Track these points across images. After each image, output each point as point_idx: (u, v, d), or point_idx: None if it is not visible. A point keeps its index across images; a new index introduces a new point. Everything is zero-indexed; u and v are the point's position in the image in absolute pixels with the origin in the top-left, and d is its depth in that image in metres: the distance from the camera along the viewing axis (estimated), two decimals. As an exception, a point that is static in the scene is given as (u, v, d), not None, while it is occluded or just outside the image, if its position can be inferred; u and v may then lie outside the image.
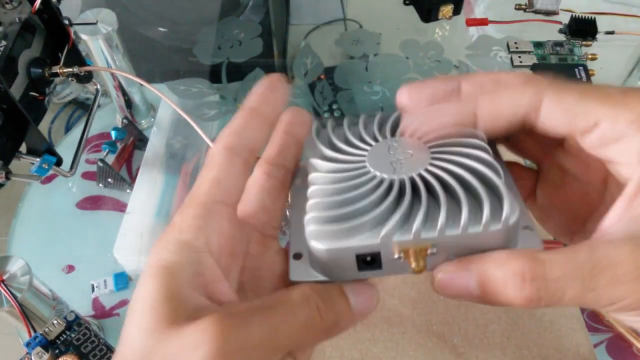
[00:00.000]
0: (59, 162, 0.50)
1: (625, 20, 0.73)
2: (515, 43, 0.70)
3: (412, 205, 0.23)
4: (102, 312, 0.59)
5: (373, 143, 0.25)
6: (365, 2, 0.95)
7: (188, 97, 0.73)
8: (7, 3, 0.47)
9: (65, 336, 0.45)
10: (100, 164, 0.66)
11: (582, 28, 0.71)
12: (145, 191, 0.65)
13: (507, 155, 0.28)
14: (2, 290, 0.44)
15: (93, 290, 0.60)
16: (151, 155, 0.68)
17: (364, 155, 0.25)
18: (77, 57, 0.53)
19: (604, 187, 0.24)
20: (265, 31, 0.82)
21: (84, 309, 0.59)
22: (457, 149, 0.24)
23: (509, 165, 0.27)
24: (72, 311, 0.46)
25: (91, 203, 0.68)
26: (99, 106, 0.61)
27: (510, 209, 0.22)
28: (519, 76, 0.24)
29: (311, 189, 0.25)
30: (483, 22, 0.74)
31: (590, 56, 0.70)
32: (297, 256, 0.25)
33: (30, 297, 0.46)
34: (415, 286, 0.54)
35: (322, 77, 0.74)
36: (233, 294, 0.23)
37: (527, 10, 0.74)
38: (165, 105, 0.72)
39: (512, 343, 0.50)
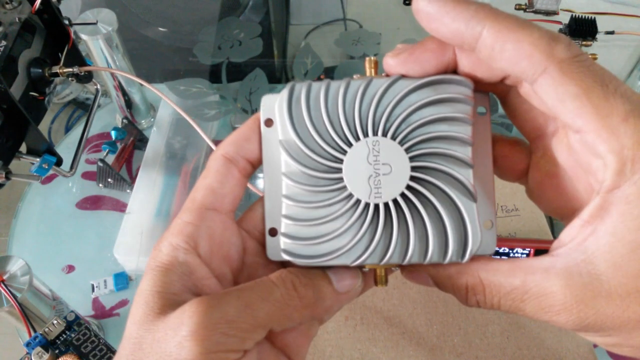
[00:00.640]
0: (59, 162, 0.49)
1: (625, 20, 0.73)
2: (516, 43, 0.70)
3: (384, 229, 0.24)
4: (102, 312, 0.59)
5: (353, 142, 0.24)
6: (365, 2, 0.96)
7: (188, 97, 0.73)
8: (7, 3, 0.47)
9: (65, 336, 0.45)
10: (100, 164, 0.66)
11: (582, 28, 0.71)
12: (145, 191, 0.65)
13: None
14: (2, 290, 0.44)
15: (93, 290, 0.60)
16: (151, 155, 0.68)
17: (341, 161, 0.24)
18: (77, 57, 0.53)
19: (591, 186, 0.24)
20: (265, 31, 0.82)
21: (84, 309, 0.59)
22: (438, 157, 0.24)
23: (507, 143, 0.26)
24: (72, 311, 0.46)
25: (91, 203, 0.68)
26: (99, 106, 0.61)
27: (473, 243, 0.24)
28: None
29: (287, 185, 0.25)
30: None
31: (590, 56, 0.70)
32: (273, 232, 0.26)
33: (30, 297, 0.46)
34: (416, 286, 0.54)
35: (322, 77, 0.74)
36: (220, 290, 0.25)
37: (527, 10, 0.74)
38: (165, 105, 0.72)
39: (511, 343, 0.50)
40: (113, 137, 0.69)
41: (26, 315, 0.45)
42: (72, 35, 0.52)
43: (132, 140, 0.71)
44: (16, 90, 0.46)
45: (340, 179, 0.24)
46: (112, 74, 0.67)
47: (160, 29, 0.88)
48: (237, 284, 0.26)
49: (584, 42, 0.70)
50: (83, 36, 0.62)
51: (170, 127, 0.71)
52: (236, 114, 0.73)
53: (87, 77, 0.54)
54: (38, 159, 0.48)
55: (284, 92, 0.25)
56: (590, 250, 0.21)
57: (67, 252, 0.64)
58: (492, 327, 0.51)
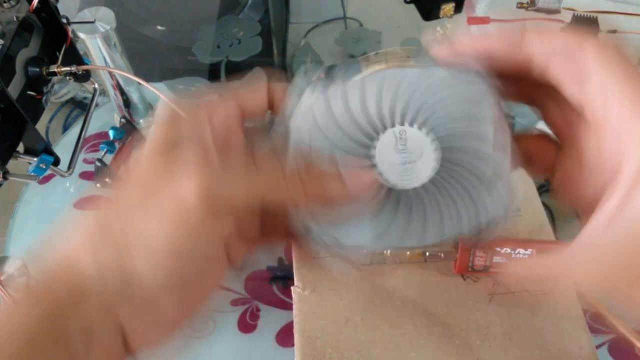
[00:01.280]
0: (56, 162, 0.49)
1: (628, 19, 0.72)
2: (517, 42, 0.70)
3: (413, 213, 0.25)
4: (100, 313, 0.59)
5: (381, 132, 0.25)
6: (365, 0, 0.95)
7: (187, 96, 0.73)
8: (4, 2, 0.47)
9: (63, 338, 0.44)
10: (98, 163, 0.65)
11: (585, 27, 0.70)
12: (144, 191, 0.64)
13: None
14: (0, 292, 0.44)
15: (91, 291, 0.60)
16: (150, 154, 0.67)
17: (373, 147, 0.25)
18: (75, 56, 0.53)
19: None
20: (265, 29, 0.82)
21: (82, 310, 0.59)
22: (464, 151, 0.25)
23: (535, 139, 0.27)
24: (69, 313, 0.46)
25: (89, 203, 0.68)
26: (96, 105, 0.61)
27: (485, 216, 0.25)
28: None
29: None
30: (484, 20, 0.74)
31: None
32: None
33: (28, 299, 0.46)
34: (417, 287, 0.54)
35: (321, 75, 0.73)
36: None
37: (528, 8, 0.73)
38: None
39: (513, 344, 0.50)
40: (111, 136, 0.68)
41: (23, 316, 0.44)
42: (70, 34, 0.52)
43: (131, 139, 0.71)
44: (13, 89, 0.46)
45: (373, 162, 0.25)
46: (110, 73, 0.67)
47: (159, 27, 0.88)
48: None
49: (586, 41, 0.70)
50: (81, 35, 0.61)
51: (169, 126, 0.70)
52: (235, 113, 0.73)
53: (85, 76, 0.53)
54: (35, 159, 0.48)
55: (320, 73, 0.27)
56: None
57: (65, 253, 0.64)
58: (493, 329, 0.51)
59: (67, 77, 0.52)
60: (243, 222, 0.27)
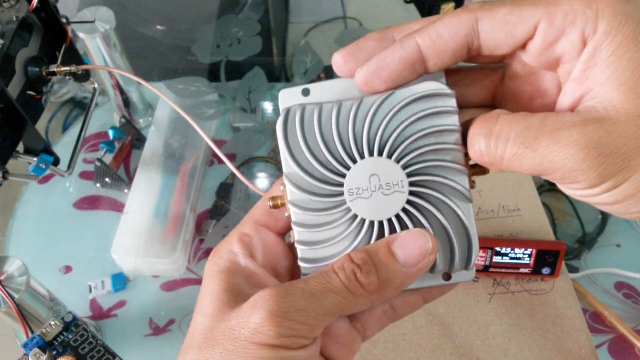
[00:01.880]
0: (56, 162, 0.49)
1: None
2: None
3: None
4: (100, 313, 0.59)
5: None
6: (365, 0, 0.95)
7: (187, 96, 0.73)
8: (4, 2, 0.47)
9: (62, 337, 0.44)
10: (98, 163, 0.65)
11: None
12: (143, 191, 0.64)
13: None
14: (0, 291, 0.44)
15: (91, 291, 0.60)
16: (149, 154, 0.67)
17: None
18: (74, 56, 0.53)
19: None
20: (265, 29, 0.82)
21: (81, 310, 0.59)
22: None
23: (470, 71, 0.28)
24: (69, 312, 0.46)
25: (89, 203, 0.68)
26: (96, 105, 0.61)
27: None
28: (451, 12, 0.25)
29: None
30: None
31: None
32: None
33: (28, 298, 0.46)
34: (416, 287, 0.54)
35: (322, 75, 0.73)
36: None
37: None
38: (164, 104, 0.72)
39: (513, 344, 0.50)
40: (111, 136, 0.68)
41: (24, 316, 0.44)
42: (70, 34, 0.52)
43: (130, 139, 0.71)
44: (13, 89, 0.46)
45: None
46: (110, 73, 0.67)
47: (159, 27, 0.88)
48: None
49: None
50: (81, 35, 0.61)
51: (168, 126, 0.70)
52: (235, 113, 0.73)
53: (84, 76, 0.53)
54: (35, 159, 0.47)
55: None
56: (595, 87, 0.22)
57: (64, 253, 0.64)
58: (493, 329, 0.51)
59: (67, 77, 0.52)
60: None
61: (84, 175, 0.70)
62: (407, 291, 0.26)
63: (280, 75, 0.88)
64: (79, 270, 0.62)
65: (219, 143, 0.72)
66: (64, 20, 0.52)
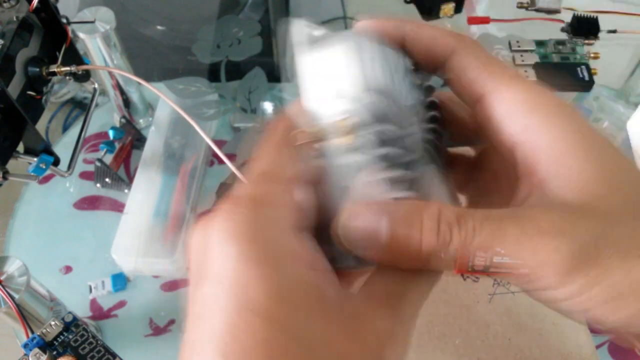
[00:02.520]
0: (56, 162, 0.49)
1: (628, 19, 0.72)
2: (517, 42, 0.70)
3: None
4: (100, 314, 0.59)
5: None
6: (365, 0, 0.95)
7: (187, 96, 0.73)
8: (4, 2, 0.47)
9: (63, 337, 0.44)
10: (98, 163, 0.65)
11: (585, 27, 0.70)
12: (144, 191, 0.64)
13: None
14: (0, 292, 0.44)
15: (91, 291, 0.60)
16: (149, 155, 0.67)
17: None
18: (74, 56, 0.53)
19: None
20: (265, 29, 0.82)
21: (81, 310, 0.59)
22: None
23: (453, 156, 0.29)
24: (69, 312, 0.46)
25: (89, 203, 0.68)
26: (96, 105, 0.61)
27: None
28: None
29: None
30: (484, 20, 0.74)
31: (592, 55, 0.69)
32: None
33: (28, 298, 0.45)
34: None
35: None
36: None
37: (529, 8, 0.73)
38: (164, 104, 0.71)
39: (513, 344, 0.50)
40: (111, 136, 0.68)
41: (24, 316, 0.44)
42: (70, 34, 0.52)
43: (130, 139, 0.71)
44: (13, 89, 0.46)
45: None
46: (110, 73, 0.67)
47: (159, 27, 0.88)
48: None
49: (586, 41, 0.70)
50: (81, 35, 0.61)
51: (168, 126, 0.70)
52: (235, 113, 0.73)
53: (84, 76, 0.53)
54: (35, 159, 0.47)
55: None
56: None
57: (64, 253, 0.64)
58: (493, 329, 0.51)
59: (67, 77, 0.52)
60: None
61: (84, 175, 0.70)
62: None
63: (280, 75, 0.88)
64: (79, 270, 0.62)
65: (219, 143, 0.72)
66: (64, 20, 0.52)
